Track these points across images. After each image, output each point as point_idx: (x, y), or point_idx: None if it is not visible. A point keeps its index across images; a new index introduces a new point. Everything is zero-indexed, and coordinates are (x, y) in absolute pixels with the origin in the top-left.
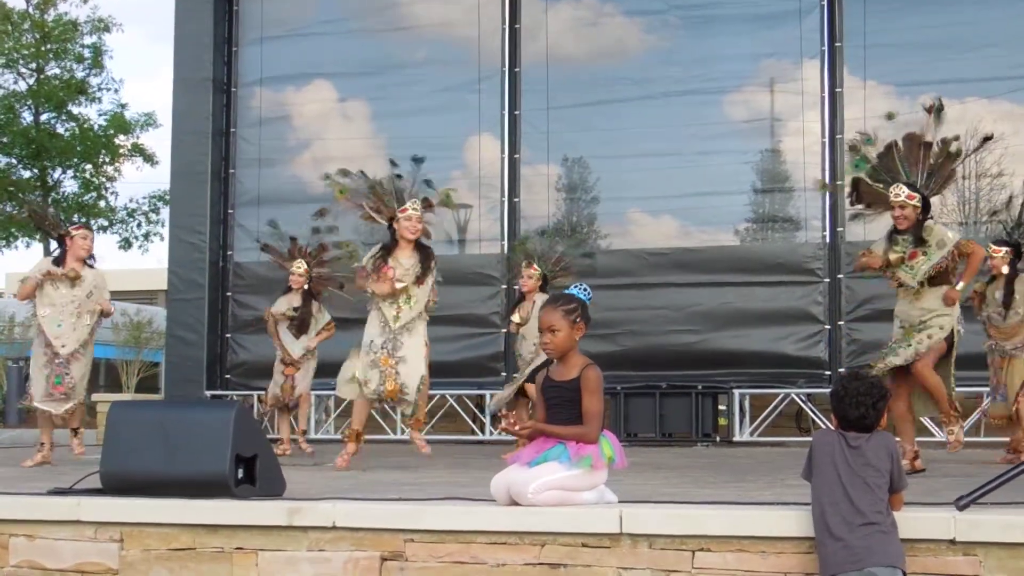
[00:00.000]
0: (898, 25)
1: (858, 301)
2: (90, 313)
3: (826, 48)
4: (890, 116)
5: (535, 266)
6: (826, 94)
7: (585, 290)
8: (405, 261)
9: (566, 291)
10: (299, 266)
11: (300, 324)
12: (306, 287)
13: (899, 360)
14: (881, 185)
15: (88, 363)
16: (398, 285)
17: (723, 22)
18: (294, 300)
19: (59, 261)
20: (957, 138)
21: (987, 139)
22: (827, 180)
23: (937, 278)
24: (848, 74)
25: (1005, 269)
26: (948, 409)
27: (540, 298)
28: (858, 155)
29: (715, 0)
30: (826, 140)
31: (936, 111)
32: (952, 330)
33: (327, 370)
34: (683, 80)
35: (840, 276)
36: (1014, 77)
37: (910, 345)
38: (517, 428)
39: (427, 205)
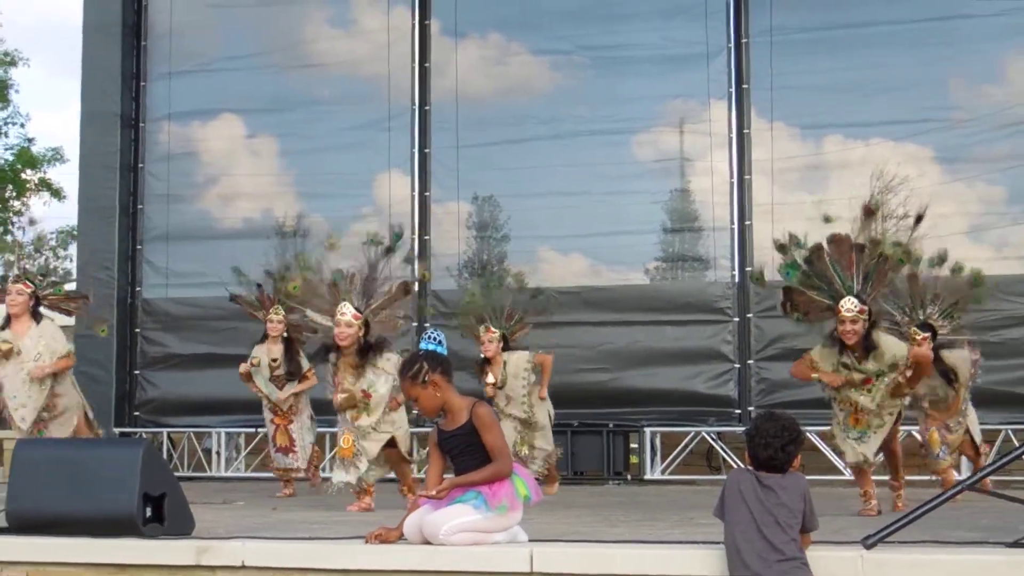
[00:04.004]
0: (804, 68)
1: (767, 340)
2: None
3: (734, 90)
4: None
5: (492, 328)
6: (734, 135)
7: (432, 339)
8: (350, 376)
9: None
10: (277, 312)
11: (290, 375)
12: (285, 335)
13: (871, 449)
14: (815, 292)
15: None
16: (338, 399)
17: (631, 63)
18: (274, 350)
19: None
20: (899, 244)
21: (919, 219)
22: (735, 222)
23: None
24: (755, 115)
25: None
26: (899, 479)
27: (510, 356)
28: (788, 261)
29: (622, 42)
30: (734, 180)
31: (870, 214)
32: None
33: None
34: (592, 120)
35: (749, 315)
36: (919, 120)
37: (876, 431)
38: (434, 493)
39: (405, 291)
